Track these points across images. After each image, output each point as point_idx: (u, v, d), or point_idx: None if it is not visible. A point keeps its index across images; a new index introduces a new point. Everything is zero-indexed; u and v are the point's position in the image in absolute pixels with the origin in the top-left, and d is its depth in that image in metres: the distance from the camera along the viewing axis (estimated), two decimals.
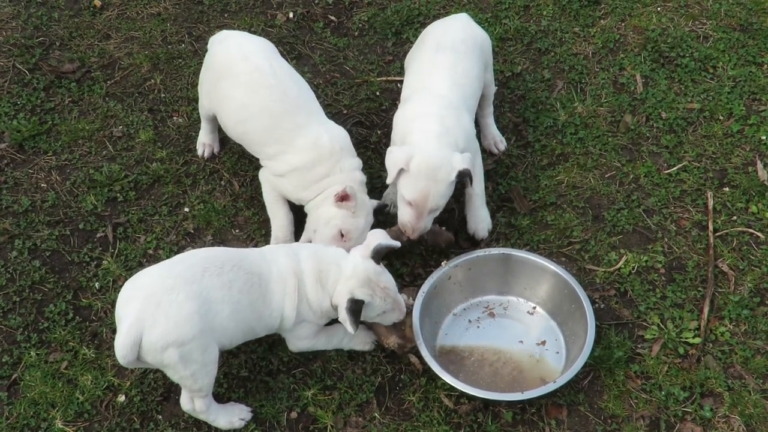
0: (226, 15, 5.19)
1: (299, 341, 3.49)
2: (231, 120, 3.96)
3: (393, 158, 3.66)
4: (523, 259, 3.76)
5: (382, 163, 4.18)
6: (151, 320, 3.00)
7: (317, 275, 3.35)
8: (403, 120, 3.86)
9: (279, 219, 3.93)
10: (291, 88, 3.90)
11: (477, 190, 3.95)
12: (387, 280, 3.42)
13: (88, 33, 5.10)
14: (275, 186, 3.91)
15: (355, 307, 3.25)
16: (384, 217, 3.91)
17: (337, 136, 3.86)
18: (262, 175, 3.97)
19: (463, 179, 3.64)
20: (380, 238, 3.43)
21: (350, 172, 3.82)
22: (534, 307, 3.77)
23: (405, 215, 3.68)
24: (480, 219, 3.97)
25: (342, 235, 3.67)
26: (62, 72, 4.85)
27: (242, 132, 3.96)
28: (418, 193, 3.61)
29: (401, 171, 3.62)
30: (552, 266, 3.70)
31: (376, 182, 4.21)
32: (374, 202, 3.84)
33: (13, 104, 4.66)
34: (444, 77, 3.89)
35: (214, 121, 4.20)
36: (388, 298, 3.38)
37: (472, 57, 4.02)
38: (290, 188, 3.85)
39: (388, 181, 3.71)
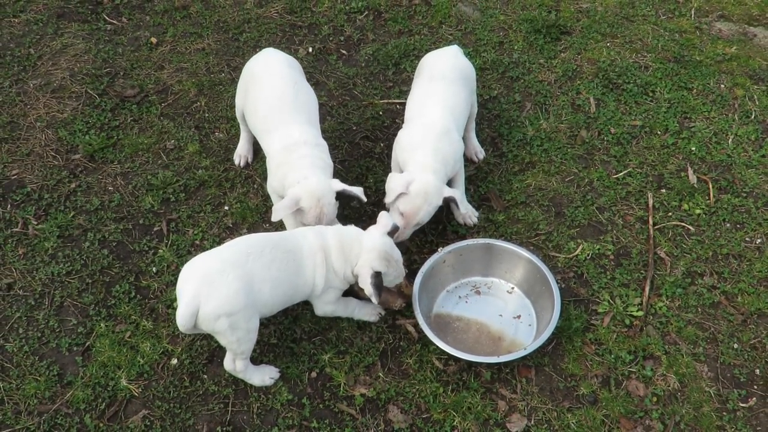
0: (258, 49, 5.11)
1: (325, 305, 3.46)
2: (249, 112, 3.93)
3: (394, 184, 3.64)
4: (504, 248, 3.73)
5: (385, 170, 4.18)
6: (206, 295, 3.00)
7: (341, 249, 3.32)
8: (404, 147, 3.82)
9: (286, 219, 3.78)
10: (294, 94, 3.80)
11: (459, 192, 3.94)
12: (398, 252, 3.42)
13: (146, 64, 5.07)
14: (269, 187, 3.82)
15: (378, 280, 3.26)
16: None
17: (308, 134, 3.68)
18: (267, 185, 3.86)
19: (449, 203, 3.69)
20: (390, 219, 3.45)
21: (310, 157, 3.60)
22: (512, 288, 3.74)
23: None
24: (463, 212, 3.96)
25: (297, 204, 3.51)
26: (125, 96, 4.82)
27: (252, 123, 3.92)
28: (412, 207, 3.61)
29: (400, 194, 3.60)
30: (527, 254, 3.67)
31: (380, 185, 4.18)
32: (337, 185, 3.56)
33: (85, 122, 4.63)
34: (436, 103, 3.86)
35: (248, 131, 4.17)
36: (399, 268, 3.40)
37: (459, 83, 3.99)
38: (271, 183, 3.72)
39: (387, 200, 3.69)
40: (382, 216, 3.46)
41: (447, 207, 4.00)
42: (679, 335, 3.56)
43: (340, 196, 3.59)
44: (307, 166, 3.57)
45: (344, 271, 3.35)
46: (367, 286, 3.27)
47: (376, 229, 3.40)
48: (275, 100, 3.78)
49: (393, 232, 3.43)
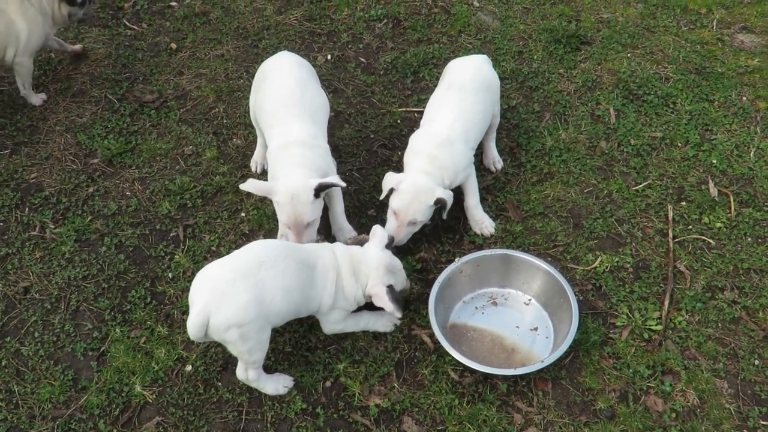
0: None
1: (331, 324, 3.45)
2: (258, 109, 3.93)
3: (388, 180, 3.72)
4: (521, 259, 3.69)
5: None
6: (216, 306, 2.98)
7: (351, 270, 3.31)
8: (407, 150, 3.87)
9: None
10: (300, 92, 3.79)
11: (473, 201, 3.94)
12: (398, 262, 3.44)
13: (166, 70, 5.08)
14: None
15: (395, 294, 3.27)
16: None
17: (306, 134, 3.64)
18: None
19: (438, 205, 3.67)
20: (386, 231, 3.49)
21: (299, 156, 3.55)
22: (529, 299, 3.69)
23: (389, 225, 3.72)
24: (479, 221, 3.95)
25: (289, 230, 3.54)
26: (144, 101, 4.83)
27: (260, 119, 3.91)
28: (402, 204, 3.63)
29: (392, 190, 3.65)
30: (545, 266, 3.62)
31: None
32: (313, 181, 3.46)
33: (104, 127, 4.64)
34: (447, 113, 3.86)
35: (263, 136, 4.16)
36: (402, 275, 3.43)
37: (477, 94, 3.96)
38: (269, 173, 3.70)
39: (382, 197, 3.72)
40: (376, 229, 3.47)
41: (464, 216, 3.98)
42: (698, 350, 3.50)
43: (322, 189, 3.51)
44: (294, 164, 3.54)
45: (355, 292, 3.34)
46: (386, 303, 3.26)
47: (374, 244, 3.40)
48: (280, 98, 3.78)
49: (389, 243, 3.44)
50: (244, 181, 3.50)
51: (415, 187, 3.63)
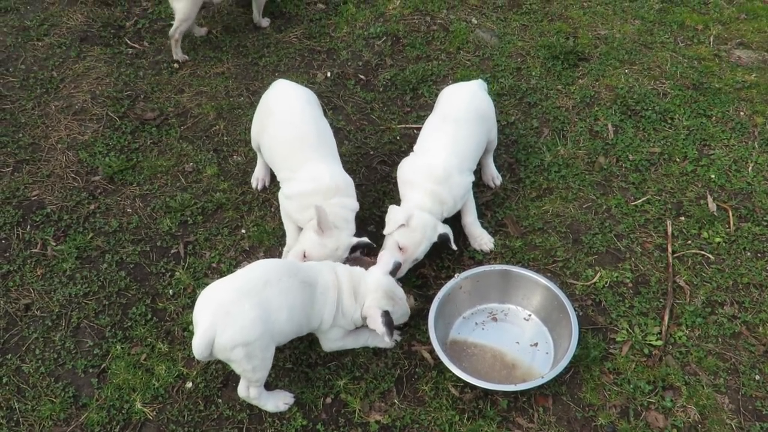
0: (276, 74, 5.17)
1: (330, 342, 3.45)
2: (264, 146, 3.98)
3: (395, 217, 3.68)
4: (521, 275, 3.69)
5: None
6: (221, 326, 2.98)
7: (352, 290, 3.31)
8: (404, 179, 3.88)
9: (290, 232, 3.87)
10: (312, 130, 3.84)
11: (470, 219, 3.95)
12: (401, 291, 3.42)
13: (166, 88, 5.11)
14: (284, 206, 3.86)
15: (389, 319, 3.26)
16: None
17: (338, 177, 3.75)
18: (279, 196, 3.90)
19: (443, 240, 3.71)
20: (393, 257, 3.47)
21: (339, 208, 3.67)
22: (529, 315, 3.69)
23: (389, 255, 3.65)
24: (478, 237, 3.96)
25: (304, 255, 3.60)
26: (145, 119, 4.85)
27: (269, 157, 3.98)
28: (411, 242, 3.64)
29: (401, 227, 3.65)
30: (544, 281, 3.63)
31: None
32: (353, 240, 3.66)
33: (106, 144, 4.66)
34: (443, 146, 3.86)
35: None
36: (404, 306, 3.41)
37: (473, 124, 3.98)
38: (291, 209, 3.77)
39: (386, 232, 3.72)
40: (383, 255, 3.47)
41: (463, 232, 3.98)
42: (699, 366, 3.50)
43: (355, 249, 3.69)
44: (341, 217, 3.64)
45: (353, 313, 3.34)
46: (378, 326, 3.25)
47: (379, 268, 3.41)
48: (296, 141, 3.81)
49: (395, 270, 3.43)
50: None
51: (423, 225, 3.65)
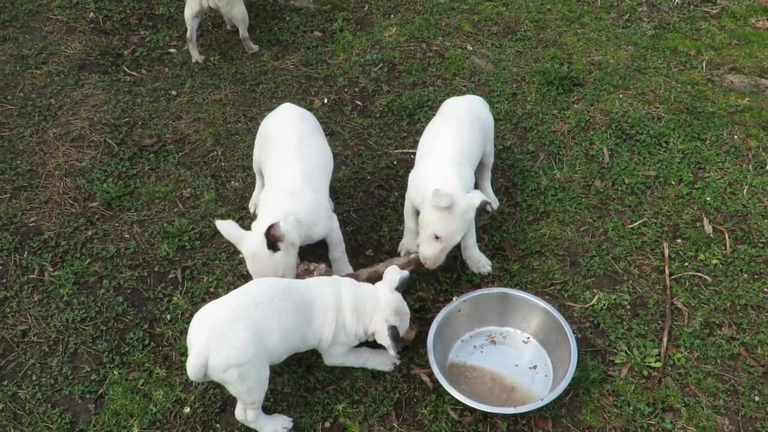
0: (274, 101, 5.22)
1: (332, 358, 3.45)
2: (263, 165, 3.93)
3: (440, 195, 3.50)
4: (519, 297, 3.69)
5: (399, 219, 4.18)
6: (215, 347, 2.97)
7: (354, 308, 3.31)
8: (419, 175, 3.82)
9: None
10: (297, 145, 3.76)
11: (470, 242, 3.94)
12: (406, 307, 3.43)
13: (164, 115, 5.14)
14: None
15: (395, 332, 3.26)
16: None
17: (295, 183, 3.59)
18: None
19: (484, 208, 3.63)
20: (399, 273, 3.44)
21: (277, 207, 3.50)
22: (528, 337, 3.69)
23: (429, 249, 3.61)
24: (476, 260, 3.96)
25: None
26: (143, 145, 4.88)
27: (265, 174, 3.90)
28: (449, 230, 3.57)
29: (437, 209, 3.52)
30: (543, 304, 3.63)
31: (394, 234, 4.18)
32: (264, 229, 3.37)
33: (103, 171, 4.68)
34: (448, 138, 3.89)
35: (262, 179, 4.18)
36: (407, 322, 3.42)
37: (473, 125, 4.03)
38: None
39: (421, 202, 3.64)
40: (390, 271, 3.46)
41: (461, 256, 3.99)
42: (698, 387, 3.49)
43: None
44: (268, 213, 3.49)
45: (356, 330, 3.34)
46: (385, 340, 3.26)
47: (385, 285, 3.41)
48: (278, 153, 3.78)
49: (401, 286, 3.43)
50: (242, 223, 3.50)
51: (464, 208, 3.56)
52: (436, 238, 3.59)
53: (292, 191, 3.60)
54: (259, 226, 3.43)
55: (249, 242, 3.42)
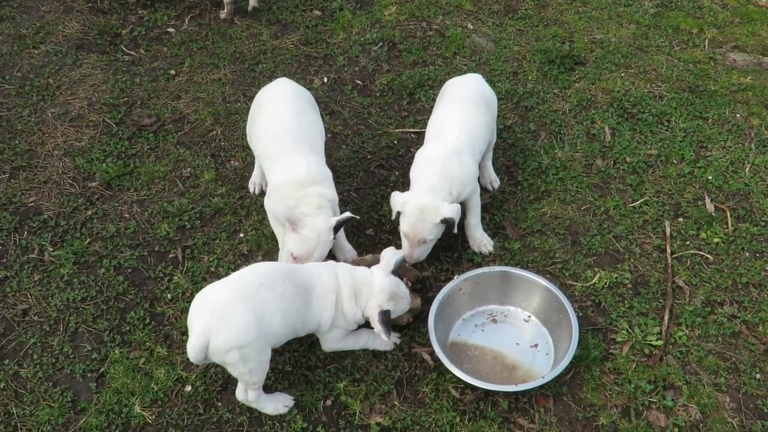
0: (273, 79, 5.15)
1: (330, 343, 3.45)
2: (253, 137, 3.94)
3: (394, 202, 3.75)
4: (520, 276, 3.69)
5: None
6: (216, 329, 2.96)
7: (352, 292, 3.31)
8: (416, 165, 3.85)
9: (280, 235, 3.74)
10: (297, 123, 3.78)
11: (474, 220, 3.93)
12: (404, 288, 3.41)
13: (163, 94, 5.11)
14: (268, 207, 3.76)
15: (386, 318, 3.25)
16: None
17: (314, 168, 3.64)
18: (264, 202, 3.82)
19: (448, 224, 3.66)
20: (395, 254, 3.43)
21: (313, 197, 3.56)
22: (529, 316, 3.69)
23: (403, 245, 3.75)
24: (478, 240, 3.96)
25: (294, 257, 3.53)
26: (142, 125, 4.85)
27: (255, 147, 3.94)
28: (409, 228, 3.66)
29: (398, 213, 3.70)
30: (544, 282, 3.63)
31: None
32: (333, 221, 3.52)
33: (103, 151, 4.66)
34: (454, 124, 3.88)
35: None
36: (406, 302, 3.40)
37: (480, 107, 4.01)
38: (272, 206, 3.66)
39: (393, 216, 3.77)
40: (386, 253, 3.46)
41: (463, 234, 3.99)
42: (699, 365, 3.50)
43: (339, 227, 3.58)
44: (313, 205, 3.54)
45: (354, 314, 3.34)
46: (376, 325, 3.26)
47: (381, 269, 3.40)
48: (275, 129, 3.77)
49: (398, 268, 3.42)
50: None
51: (419, 208, 3.62)
52: (405, 235, 3.69)
53: (321, 177, 3.69)
54: (319, 218, 3.52)
55: (314, 227, 3.51)
